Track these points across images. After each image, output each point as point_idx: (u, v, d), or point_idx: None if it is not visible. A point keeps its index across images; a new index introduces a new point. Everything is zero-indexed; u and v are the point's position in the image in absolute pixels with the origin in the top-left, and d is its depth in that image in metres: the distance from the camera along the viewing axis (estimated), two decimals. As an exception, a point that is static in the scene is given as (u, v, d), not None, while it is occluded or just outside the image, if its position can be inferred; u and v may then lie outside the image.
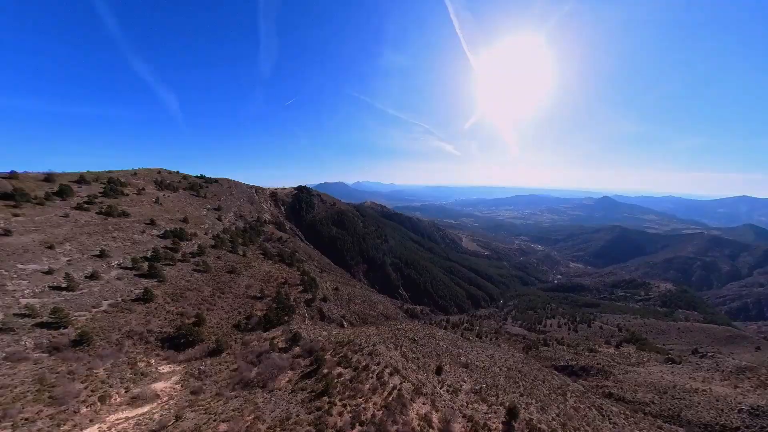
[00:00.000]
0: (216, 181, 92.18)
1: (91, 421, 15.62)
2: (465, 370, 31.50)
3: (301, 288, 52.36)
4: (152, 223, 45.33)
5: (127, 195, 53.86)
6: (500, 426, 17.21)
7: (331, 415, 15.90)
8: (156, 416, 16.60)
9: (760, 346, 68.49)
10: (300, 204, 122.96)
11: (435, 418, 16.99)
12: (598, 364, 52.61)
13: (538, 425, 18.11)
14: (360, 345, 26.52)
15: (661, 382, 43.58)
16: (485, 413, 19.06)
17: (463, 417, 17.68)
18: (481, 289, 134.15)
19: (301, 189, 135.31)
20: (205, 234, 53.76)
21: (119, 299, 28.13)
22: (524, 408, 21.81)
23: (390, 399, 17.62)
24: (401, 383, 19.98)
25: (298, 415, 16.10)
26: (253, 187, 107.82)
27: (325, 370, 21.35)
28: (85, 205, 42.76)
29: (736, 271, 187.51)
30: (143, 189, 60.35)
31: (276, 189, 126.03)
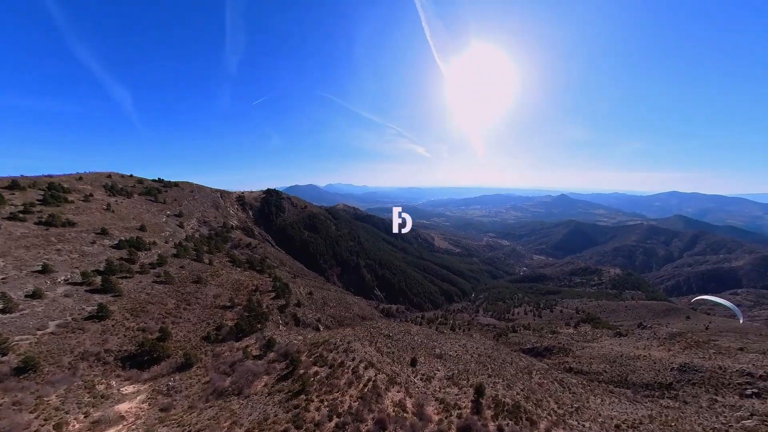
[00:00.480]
0: (176, 185, 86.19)
1: (48, 449, 14.79)
2: (439, 360, 33.61)
3: (273, 294, 51.41)
4: (104, 232, 41.72)
5: (72, 202, 48.73)
6: (469, 404, 19.15)
7: (309, 411, 16.66)
8: (124, 437, 16.12)
9: (689, 315, 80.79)
10: (269, 208, 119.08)
11: (409, 403, 18.46)
12: (559, 343, 58.26)
13: (503, 399, 20.39)
14: (335, 344, 27.34)
15: (611, 353, 49.58)
16: (456, 395, 20.97)
17: (435, 400, 19.36)
18: (453, 284, 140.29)
19: (270, 192, 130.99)
20: (166, 243, 50.55)
21: (69, 318, 25.98)
22: (491, 387, 24.20)
23: (365, 390, 18.77)
24: (376, 375, 21.25)
25: (276, 415, 16.61)
26: (218, 191, 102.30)
27: (301, 371, 21.91)
28: (21, 215, 38.21)
29: (670, 255, 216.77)
30: (91, 195, 54.90)
31: (243, 193, 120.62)
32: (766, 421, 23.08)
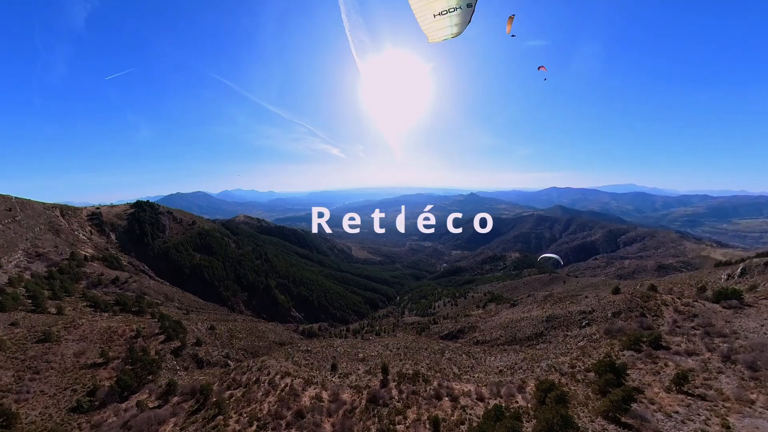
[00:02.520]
0: None
1: None
2: (362, 362, 37.77)
3: (163, 337, 45.62)
4: None
5: None
6: (378, 383, 24.20)
7: (228, 425, 18.33)
8: None
9: (565, 280, 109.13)
10: (142, 227, 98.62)
11: (325, 395, 22.07)
12: (469, 324, 70.60)
13: (407, 372, 26.37)
14: (248, 366, 28.45)
15: (506, 321, 63.16)
16: (368, 380, 25.82)
17: (350, 388, 23.63)
18: (377, 292, 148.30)
19: (141, 206, 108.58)
20: (-25, 292, 37.64)
21: None
22: (399, 367, 30.06)
23: (283, 394, 21.52)
24: (293, 381, 24.11)
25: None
26: (55, 207, 78.27)
27: (214, 398, 22.51)
28: None
29: (553, 237, 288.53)
30: None
31: (99, 208, 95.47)
32: (591, 339, 36.23)
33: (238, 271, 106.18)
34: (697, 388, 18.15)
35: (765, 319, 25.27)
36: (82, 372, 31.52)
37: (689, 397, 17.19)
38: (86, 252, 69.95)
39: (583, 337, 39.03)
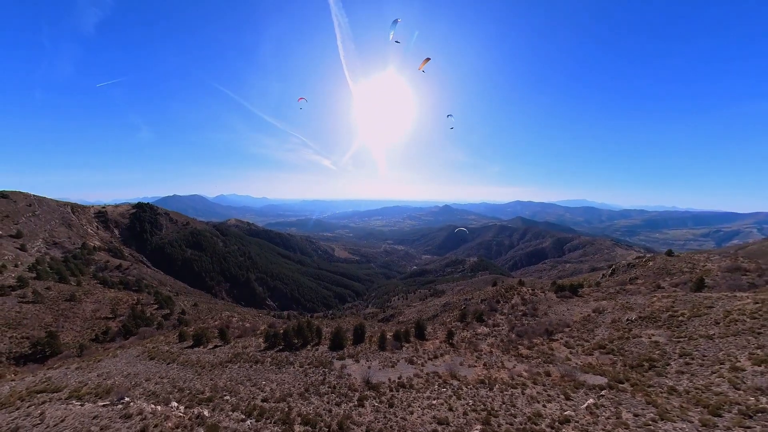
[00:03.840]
0: (5, 195, 70.00)
1: None
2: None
3: (156, 306, 55.62)
4: None
5: None
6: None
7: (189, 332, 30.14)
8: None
9: (501, 281, 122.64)
10: (142, 225, 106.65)
11: (248, 324, 34.22)
12: (399, 312, 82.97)
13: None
14: (211, 312, 39.93)
15: (422, 308, 75.60)
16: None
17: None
18: (348, 288, 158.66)
19: (142, 207, 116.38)
20: (15, 266, 47.13)
21: (-60, 333, 28.46)
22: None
23: (222, 320, 33.49)
24: (233, 318, 35.99)
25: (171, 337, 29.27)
26: (67, 204, 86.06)
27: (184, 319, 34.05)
28: None
29: (512, 244, 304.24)
30: None
31: (105, 207, 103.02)
32: (451, 315, 49.22)
33: (223, 265, 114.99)
34: (463, 342, 21.82)
35: (573, 305, 27.61)
36: (98, 321, 41.78)
37: (447, 345, 20.91)
38: (94, 243, 78.28)
39: (451, 315, 51.97)
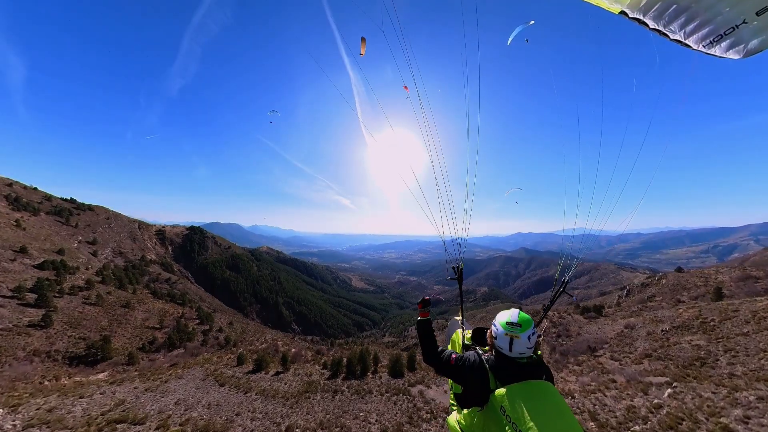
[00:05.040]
0: (91, 208, 74.53)
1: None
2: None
3: (198, 321, 52.21)
4: (23, 251, 38.49)
5: None
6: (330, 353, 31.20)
7: (236, 350, 25.86)
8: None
9: (521, 306, 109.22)
10: (192, 245, 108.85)
11: (296, 350, 29.32)
12: (416, 343, 73.75)
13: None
14: (248, 333, 35.60)
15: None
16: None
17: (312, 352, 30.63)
18: (365, 316, 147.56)
19: (194, 230, 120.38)
20: (87, 269, 47.01)
21: (9, 324, 26.68)
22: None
23: (270, 343, 28.94)
24: (279, 342, 31.35)
25: (221, 356, 25.20)
26: (135, 221, 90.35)
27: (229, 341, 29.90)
28: None
29: (518, 274, 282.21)
30: None
31: (164, 227, 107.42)
32: None
33: (256, 288, 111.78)
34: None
35: (603, 324, 27.80)
36: (146, 329, 38.85)
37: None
38: (150, 257, 79.26)
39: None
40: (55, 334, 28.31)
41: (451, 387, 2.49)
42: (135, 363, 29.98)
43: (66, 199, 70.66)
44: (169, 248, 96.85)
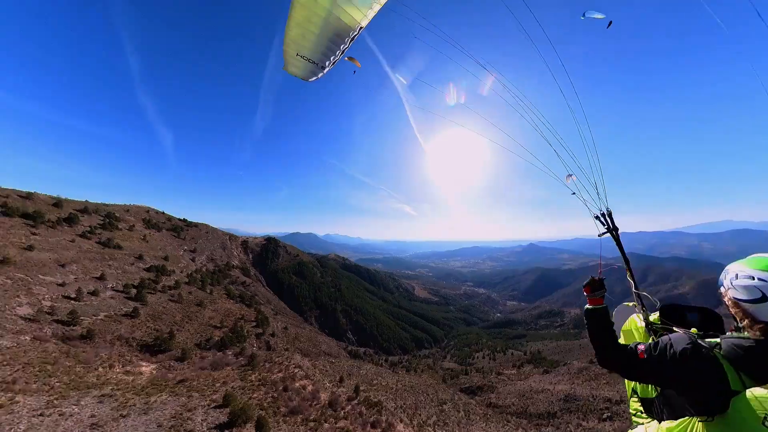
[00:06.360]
0: (195, 225, 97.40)
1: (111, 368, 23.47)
2: (367, 385, 39.11)
3: (254, 324, 58.41)
4: (140, 257, 51.66)
5: (121, 230, 59.49)
6: (347, 394, 27.27)
7: (250, 379, 25.42)
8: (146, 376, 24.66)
9: None
10: (267, 254, 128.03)
11: (310, 388, 26.82)
12: (489, 383, 60.19)
13: (372, 399, 27.85)
14: (282, 353, 35.62)
15: (525, 389, 51.18)
16: (344, 391, 28.98)
17: (327, 391, 27.59)
18: (425, 332, 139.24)
19: (269, 240, 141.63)
20: (181, 272, 59.67)
21: (112, 313, 34.78)
22: (374, 395, 30.63)
23: (286, 374, 27.48)
24: (297, 371, 29.74)
25: (229, 376, 25.44)
26: (227, 234, 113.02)
27: (254, 361, 30.29)
28: (88, 234, 48.79)
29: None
30: (134, 226, 65.85)
31: (248, 238, 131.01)
32: None
33: (317, 294, 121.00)
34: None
35: None
36: (208, 327, 45.38)
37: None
38: (234, 263, 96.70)
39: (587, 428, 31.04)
40: (138, 324, 35.39)
41: (634, 391, 1.95)
42: (188, 358, 34.78)
43: (181, 219, 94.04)
44: (249, 255, 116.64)
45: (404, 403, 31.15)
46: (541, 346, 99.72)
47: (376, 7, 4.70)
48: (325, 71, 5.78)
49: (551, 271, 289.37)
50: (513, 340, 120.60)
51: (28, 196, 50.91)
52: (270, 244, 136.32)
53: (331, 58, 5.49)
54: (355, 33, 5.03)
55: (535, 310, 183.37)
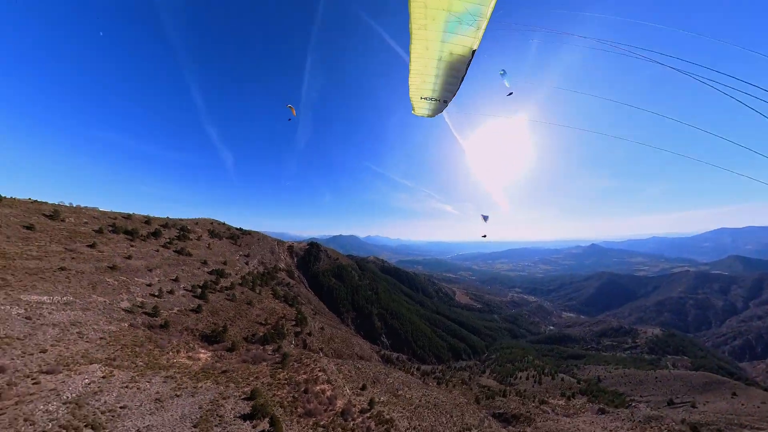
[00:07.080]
0: (249, 233, 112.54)
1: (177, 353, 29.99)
2: (393, 396, 36.05)
3: (294, 323, 64.89)
4: (205, 263, 62.75)
5: (191, 240, 73.22)
6: (361, 405, 28.82)
7: (278, 377, 29.26)
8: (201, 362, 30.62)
9: (736, 392, 61.83)
10: (309, 257, 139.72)
11: (328, 393, 29.31)
12: (527, 412, 55.55)
13: (386, 414, 27.08)
14: (311, 356, 39.37)
15: (570, 430, 47.36)
16: (361, 401, 30.67)
17: (345, 398, 29.67)
18: (464, 341, 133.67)
19: (312, 244, 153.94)
20: (236, 274, 70.14)
21: (183, 308, 43.52)
22: (389, 411, 29.77)
23: (310, 377, 30.60)
24: (320, 374, 32.62)
25: (262, 372, 29.69)
26: (275, 240, 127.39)
27: (286, 360, 34.47)
28: (168, 245, 61.62)
29: (731, 306, 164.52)
30: (201, 236, 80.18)
31: (293, 243, 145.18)
32: None
33: (354, 296, 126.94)
34: None
35: None
36: (254, 324, 52.69)
37: None
38: (281, 266, 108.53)
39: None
40: (201, 318, 43.48)
41: None
42: (236, 349, 41.45)
43: (237, 228, 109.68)
44: (294, 259, 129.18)
45: (419, 425, 29.87)
46: (603, 372, 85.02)
47: (483, 25, 4.62)
48: (449, 102, 6.59)
49: (621, 278, 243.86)
50: (566, 360, 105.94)
51: (128, 217, 66.62)
52: (312, 248, 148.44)
53: (453, 90, 6.06)
54: (470, 58, 5.04)
55: (598, 326, 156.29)
